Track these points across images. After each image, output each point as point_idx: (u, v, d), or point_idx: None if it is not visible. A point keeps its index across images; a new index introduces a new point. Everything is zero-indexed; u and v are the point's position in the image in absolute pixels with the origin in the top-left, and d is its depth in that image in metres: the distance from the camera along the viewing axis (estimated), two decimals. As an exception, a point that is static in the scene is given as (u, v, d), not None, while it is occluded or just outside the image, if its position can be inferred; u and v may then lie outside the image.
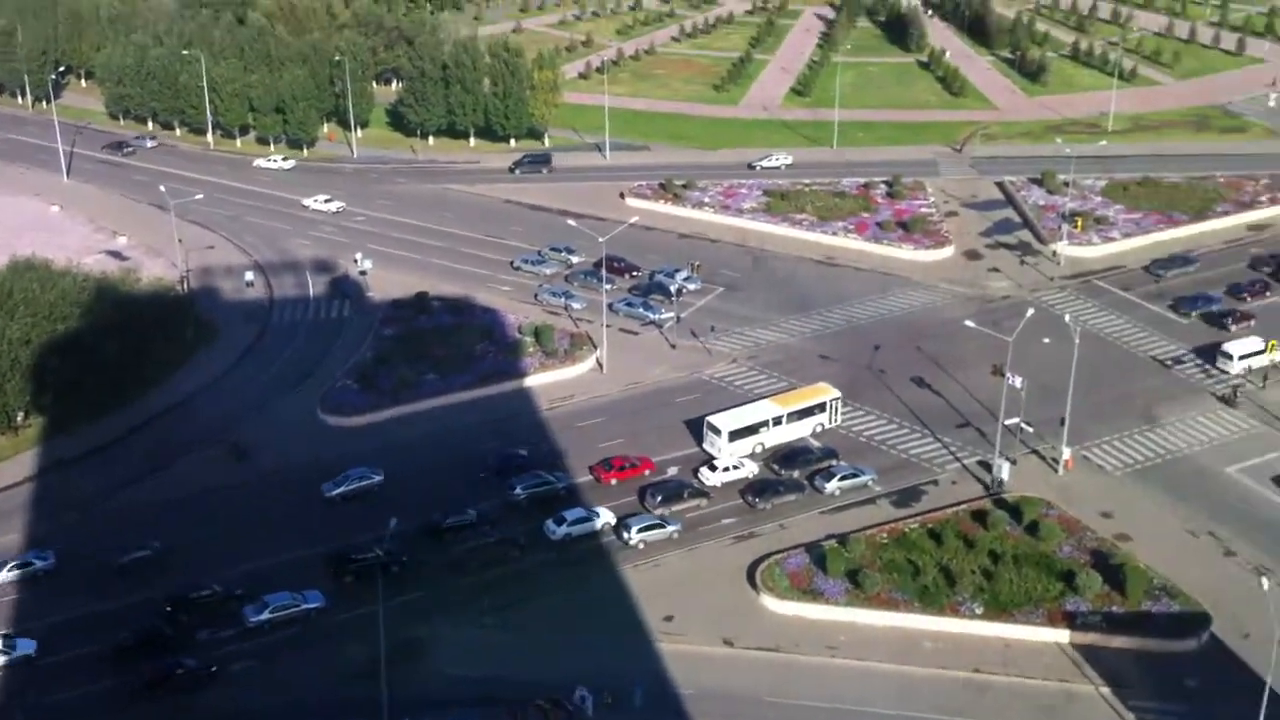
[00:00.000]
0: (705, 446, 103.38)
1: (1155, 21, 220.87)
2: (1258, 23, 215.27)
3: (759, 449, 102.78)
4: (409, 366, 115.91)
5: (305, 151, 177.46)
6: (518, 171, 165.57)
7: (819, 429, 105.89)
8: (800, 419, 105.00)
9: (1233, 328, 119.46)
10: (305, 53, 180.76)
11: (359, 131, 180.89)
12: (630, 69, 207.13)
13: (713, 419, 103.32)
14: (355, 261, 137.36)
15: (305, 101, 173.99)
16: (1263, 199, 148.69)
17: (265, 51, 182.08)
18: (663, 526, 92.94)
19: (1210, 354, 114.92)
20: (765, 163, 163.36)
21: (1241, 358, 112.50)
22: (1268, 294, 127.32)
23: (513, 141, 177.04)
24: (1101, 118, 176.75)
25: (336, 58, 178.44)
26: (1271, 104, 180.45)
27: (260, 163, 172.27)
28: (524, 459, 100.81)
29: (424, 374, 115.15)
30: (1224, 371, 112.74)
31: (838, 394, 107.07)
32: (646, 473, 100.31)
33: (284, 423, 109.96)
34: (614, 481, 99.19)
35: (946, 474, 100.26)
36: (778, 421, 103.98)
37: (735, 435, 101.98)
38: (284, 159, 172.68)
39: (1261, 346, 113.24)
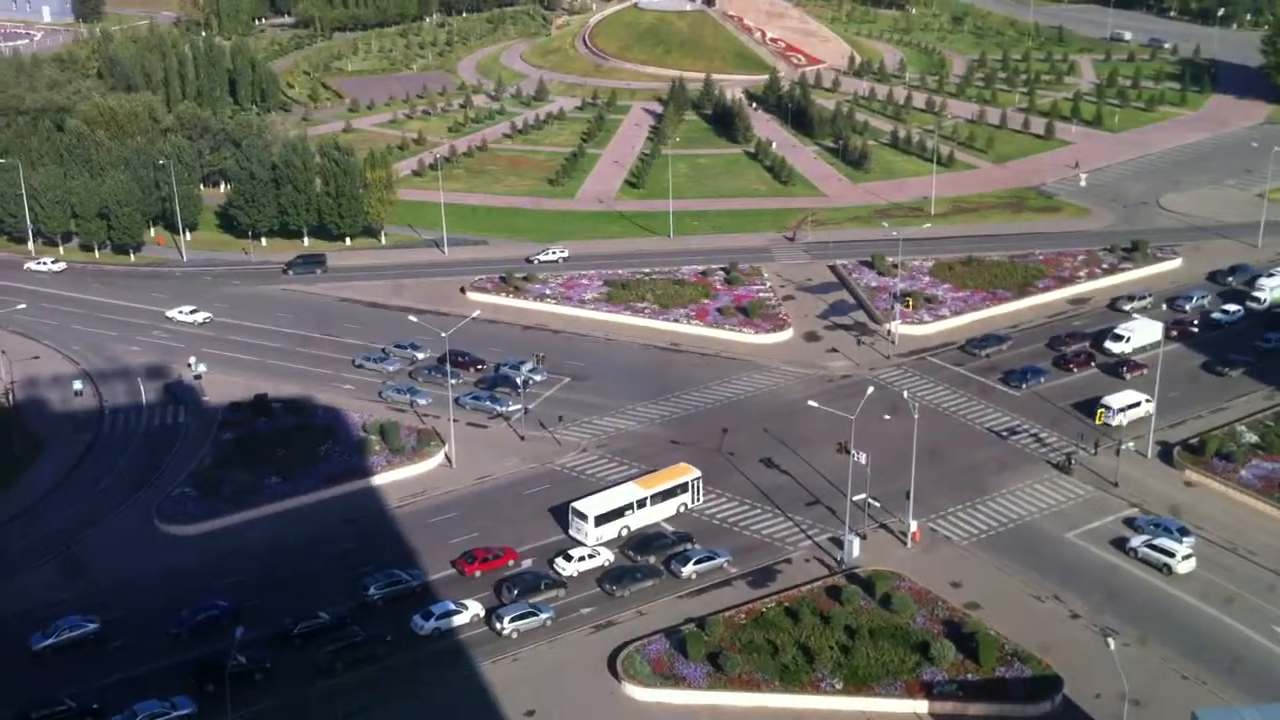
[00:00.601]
0: (571, 533, 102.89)
1: (967, 109, 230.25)
2: (1064, 107, 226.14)
3: (624, 532, 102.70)
4: (250, 471, 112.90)
5: (133, 256, 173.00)
6: (291, 273, 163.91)
7: (683, 509, 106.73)
8: (664, 500, 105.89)
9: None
10: (128, 157, 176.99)
11: (188, 234, 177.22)
12: (464, 165, 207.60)
13: (578, 504, 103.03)
14: (190, 365, 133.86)
15: (130, 206, 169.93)
16: (1081, 274, 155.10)
17: (86, 157, 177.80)
18: (535, 614, 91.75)
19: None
20: (542, 256, 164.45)
21: (1120, 410, 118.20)
22: (1091, 364, 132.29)
23: (348, 240, 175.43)
24: (924, 201, 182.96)
25: (161, 161, 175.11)
26: (1082, 184, 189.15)
27: (31, 265, 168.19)
28: (226, 609, 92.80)
29: (266, 478, 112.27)
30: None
31: (698, 473, 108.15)
32: (510, 563, 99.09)
33: (120, 534, 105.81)
34: (478, 574, 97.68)
35: (799, 552, 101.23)
36: (642, 504, 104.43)
37: (601, 520, 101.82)
38: (54, 261, 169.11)
39: (1139, 399, 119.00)
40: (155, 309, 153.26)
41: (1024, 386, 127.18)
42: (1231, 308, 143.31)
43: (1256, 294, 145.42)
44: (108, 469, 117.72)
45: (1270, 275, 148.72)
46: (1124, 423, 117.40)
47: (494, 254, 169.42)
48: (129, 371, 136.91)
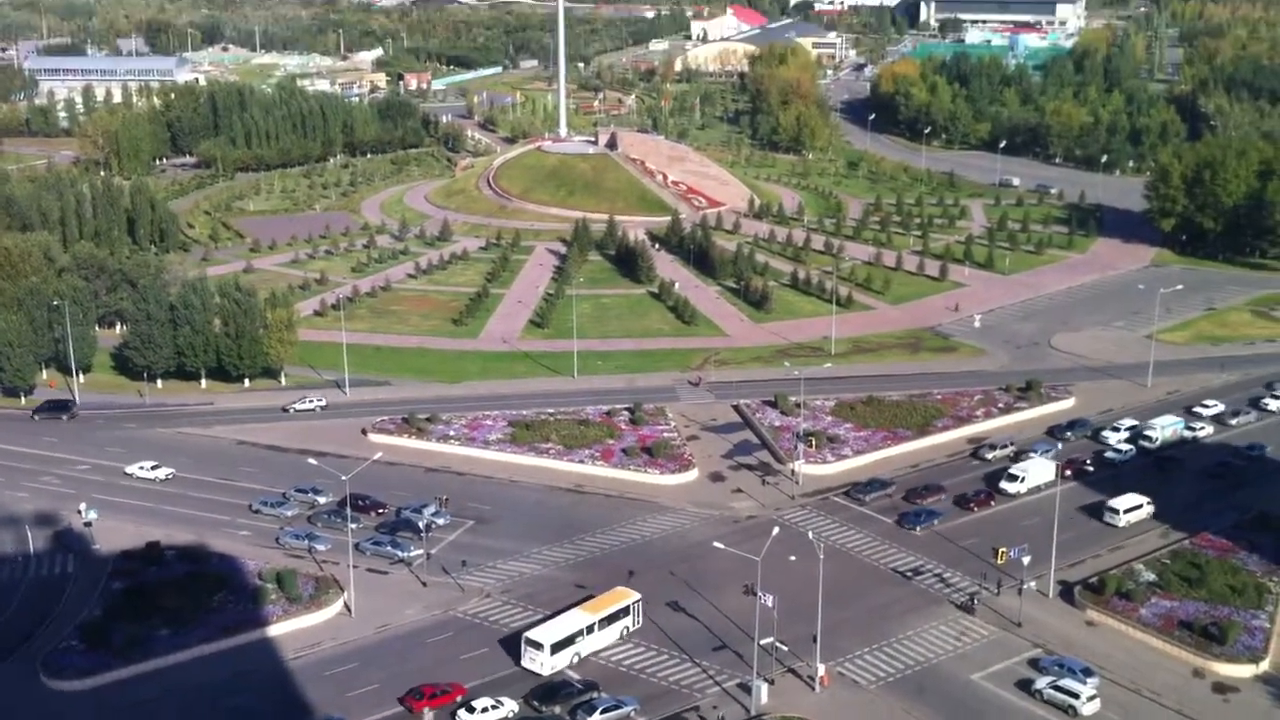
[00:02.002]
0: (524, 664, 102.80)
1: (864, 251, 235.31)
2: (956, 250, 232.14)
3: (576, 659, 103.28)
4: (141, 622, 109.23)
5: (24, 399, 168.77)
6: (37, 418, 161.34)
7: (625, 632, 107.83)
8: (610, 624, 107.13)
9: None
10: (21, 298, 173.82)
11: (81, 377, 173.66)
12: (367, 305, 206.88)
13: (531, 634, 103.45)
14: (80, 512, 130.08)
15: (21, 348, 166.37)
16: (978, 413, 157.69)
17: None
18: None
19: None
20: (299, 405, 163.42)
21: (1127, 511, 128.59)
22: (992, 503, 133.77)
23: (246, 381, 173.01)
24: (824, 341, 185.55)
25: (55, 302, 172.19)
26: (977, 325, 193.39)
27: None
28: None
29: (157, 629, 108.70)
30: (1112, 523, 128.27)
31: (639, 596, 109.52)
32: (459, 699, 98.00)
33: (3, 690, 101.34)
34: (427, 711, 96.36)
35: (708, 699, 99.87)
36: (590, 629, 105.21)
37: (557, 647, 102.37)
38: None
39: (1141, 501, 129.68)
40: (45, 454, 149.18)
41: (918, 529, 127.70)
42: (1125, 447, 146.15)
43: (1148, 433, 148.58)
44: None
45: (1162, 416, 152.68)
46: (1130, 523, 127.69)
47: (397, 395, 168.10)
48: (16, 519, 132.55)
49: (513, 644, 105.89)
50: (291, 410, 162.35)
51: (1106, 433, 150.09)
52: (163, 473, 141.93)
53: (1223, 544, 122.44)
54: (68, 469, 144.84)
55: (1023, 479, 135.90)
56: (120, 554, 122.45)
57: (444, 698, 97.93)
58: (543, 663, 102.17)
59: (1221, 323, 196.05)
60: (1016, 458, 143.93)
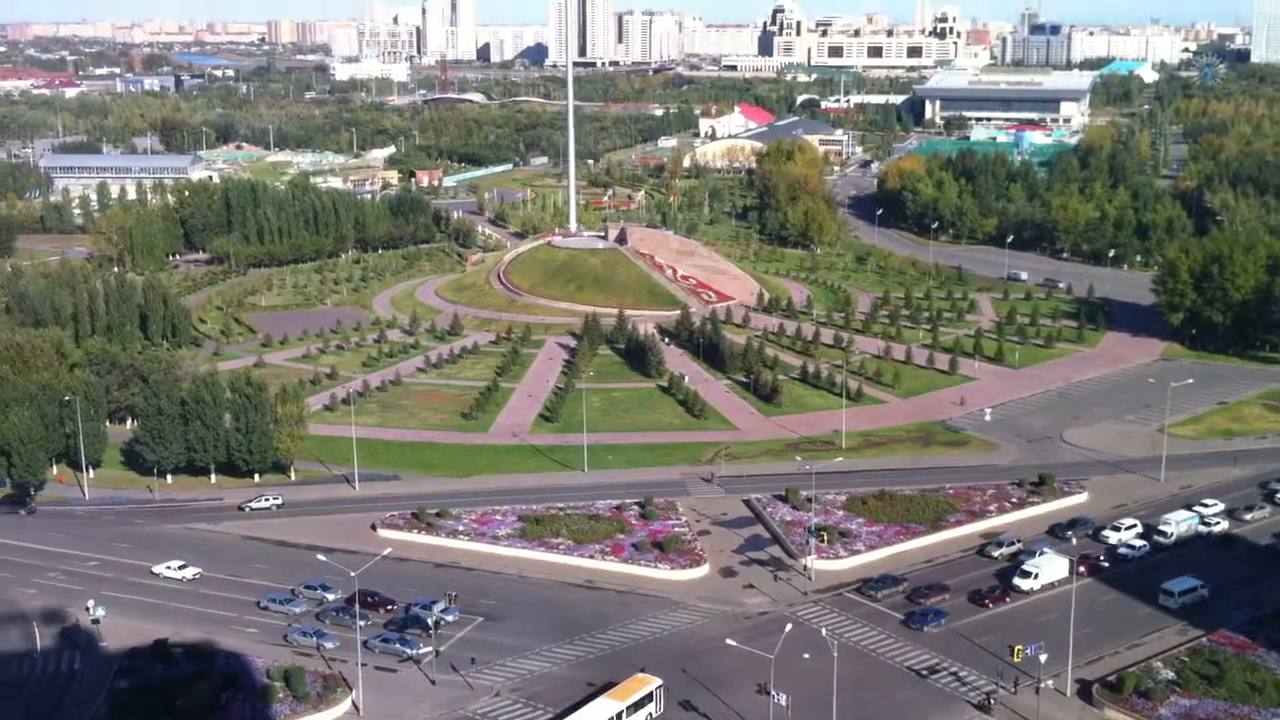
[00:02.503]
0: None
1: (874, 345, 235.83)
2: (966, 344, 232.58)
3: None
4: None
5: (34, 495, 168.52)
6: None
7: (649, 718, 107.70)
8: (636, 710, 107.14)
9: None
10: (33, 393, 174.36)
11: (91, 472, 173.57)
12: (377, 399, 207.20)
13: None
14: (88, 609, 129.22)
15: (32, 443, 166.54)
16: (991, 508, 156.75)
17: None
18: None
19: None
20: (255, 504, 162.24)
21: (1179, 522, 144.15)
22: (1007, 600, 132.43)
23: (256, 476, 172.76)
24: (835, 435, 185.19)
25: (67, 397, 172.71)
26: (988, 419, 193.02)
27: None
28: None
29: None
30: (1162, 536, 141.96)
31: (660, 682, 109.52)
32: None
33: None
34: None
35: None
36: (618, 717, 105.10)
37: None
38: None
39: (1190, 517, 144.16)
40: (53, 550, 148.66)
41: (924, 629, 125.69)
42: (1138, 543, 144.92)
43: (1163, 528, 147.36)
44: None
45: (1175, 512, 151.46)
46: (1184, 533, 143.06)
47: (406, 489, 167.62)
48: (24, 615, 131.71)
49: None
50: (248, 509, 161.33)
51: (1107, 531, 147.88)
52: (190, 572, 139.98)
53: (1241, 641, 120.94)
54: (76, 565, 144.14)
55: (1036, 575, 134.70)
56: (127, 652, 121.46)
57: None
58: None
59: (1233, 416, 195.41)
60: (1017, 555, 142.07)
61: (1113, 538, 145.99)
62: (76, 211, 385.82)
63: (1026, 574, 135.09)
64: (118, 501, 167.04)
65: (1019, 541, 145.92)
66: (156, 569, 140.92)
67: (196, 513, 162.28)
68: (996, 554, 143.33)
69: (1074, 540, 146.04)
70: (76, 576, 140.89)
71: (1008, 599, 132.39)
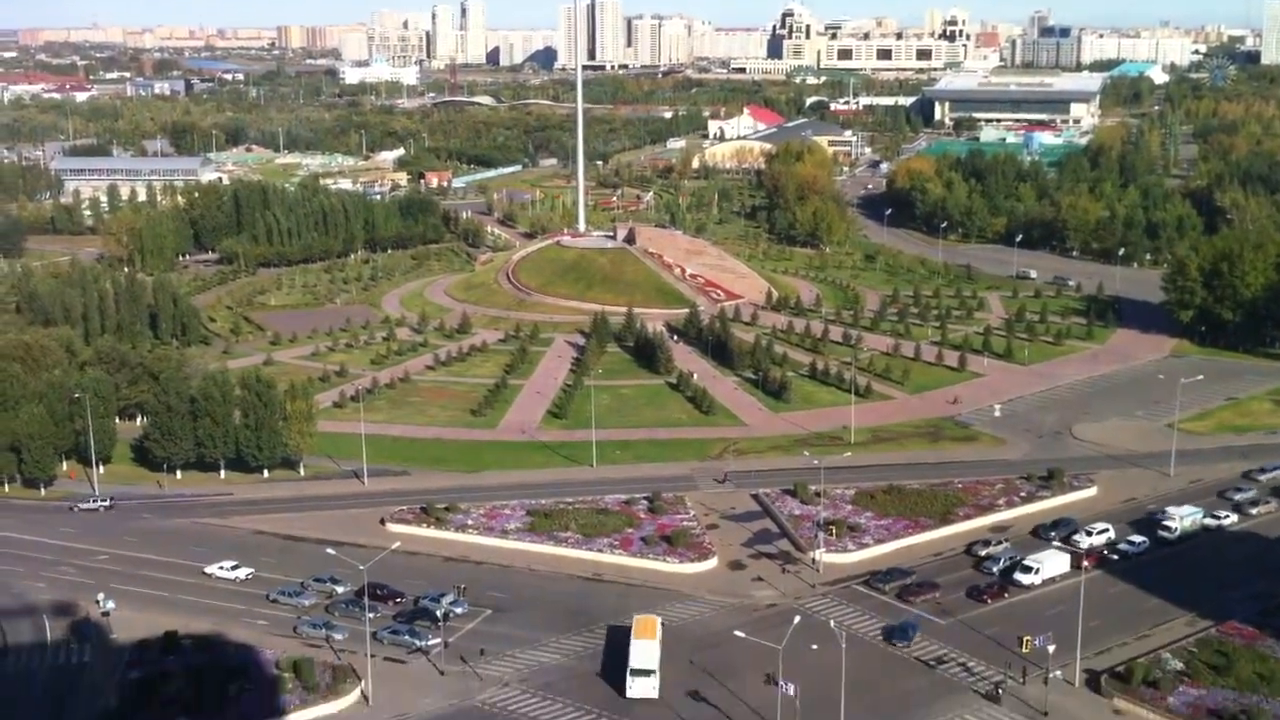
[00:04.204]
0: (632, 695, 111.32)
1: (882, 342, 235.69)
2: (975, 341, 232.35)
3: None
4: (158, 712, 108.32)
5: (43, 490, 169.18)
6: None
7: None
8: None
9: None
10: (43, 391, 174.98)
11: (100, 468, 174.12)
12: (386, 397, 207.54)
13: (636, 665, 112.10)
14: (97, 602, 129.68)
15: (43, 440, 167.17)
16: (1000, 502, 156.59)
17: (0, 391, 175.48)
18: None
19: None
20: (84, 505, 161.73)
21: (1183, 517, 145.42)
22: (1005, 595, 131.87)
23: (265, 472, 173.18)
24: (843, 431, 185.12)
25: (77, 395, 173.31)
26: (997, 414, 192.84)
27: None
28: None
29: (174, 719, 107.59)
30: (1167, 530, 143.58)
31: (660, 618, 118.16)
32: None
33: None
34: None
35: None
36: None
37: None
38: None
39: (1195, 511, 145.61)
40: (64, 544, 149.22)
41: (898, 645, 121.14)
42: (1137, 539, 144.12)
43: (1167, 523, 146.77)
44: (8, 711, 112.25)
45: (1180, 507, 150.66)
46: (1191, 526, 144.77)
47: (415, 484, 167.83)
48: (34, 609, 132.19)
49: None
50: (77, 510, 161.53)
51: (1077, 536, 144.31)
52: (243, 573, 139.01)
53: (1250, 632, 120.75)
54: (86, 559, 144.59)
55: (1037, 570, 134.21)
56: (137, 644, 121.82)
57: None
58: (654, 686, 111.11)
59: (1243, 412, 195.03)
60: (1011, 556, 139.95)
61: (1084, 542, 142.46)
62: (87, 213, 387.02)
63: (1028, 569, 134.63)
64: (127, 496, 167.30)
65: (1007, 542, 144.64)
66: (208, 569, 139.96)
67: (205, 508, 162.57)
68: (985, 553, 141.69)
69: (1056, 540, 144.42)
70: (87, 570, 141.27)
71: (1006, 594, 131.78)
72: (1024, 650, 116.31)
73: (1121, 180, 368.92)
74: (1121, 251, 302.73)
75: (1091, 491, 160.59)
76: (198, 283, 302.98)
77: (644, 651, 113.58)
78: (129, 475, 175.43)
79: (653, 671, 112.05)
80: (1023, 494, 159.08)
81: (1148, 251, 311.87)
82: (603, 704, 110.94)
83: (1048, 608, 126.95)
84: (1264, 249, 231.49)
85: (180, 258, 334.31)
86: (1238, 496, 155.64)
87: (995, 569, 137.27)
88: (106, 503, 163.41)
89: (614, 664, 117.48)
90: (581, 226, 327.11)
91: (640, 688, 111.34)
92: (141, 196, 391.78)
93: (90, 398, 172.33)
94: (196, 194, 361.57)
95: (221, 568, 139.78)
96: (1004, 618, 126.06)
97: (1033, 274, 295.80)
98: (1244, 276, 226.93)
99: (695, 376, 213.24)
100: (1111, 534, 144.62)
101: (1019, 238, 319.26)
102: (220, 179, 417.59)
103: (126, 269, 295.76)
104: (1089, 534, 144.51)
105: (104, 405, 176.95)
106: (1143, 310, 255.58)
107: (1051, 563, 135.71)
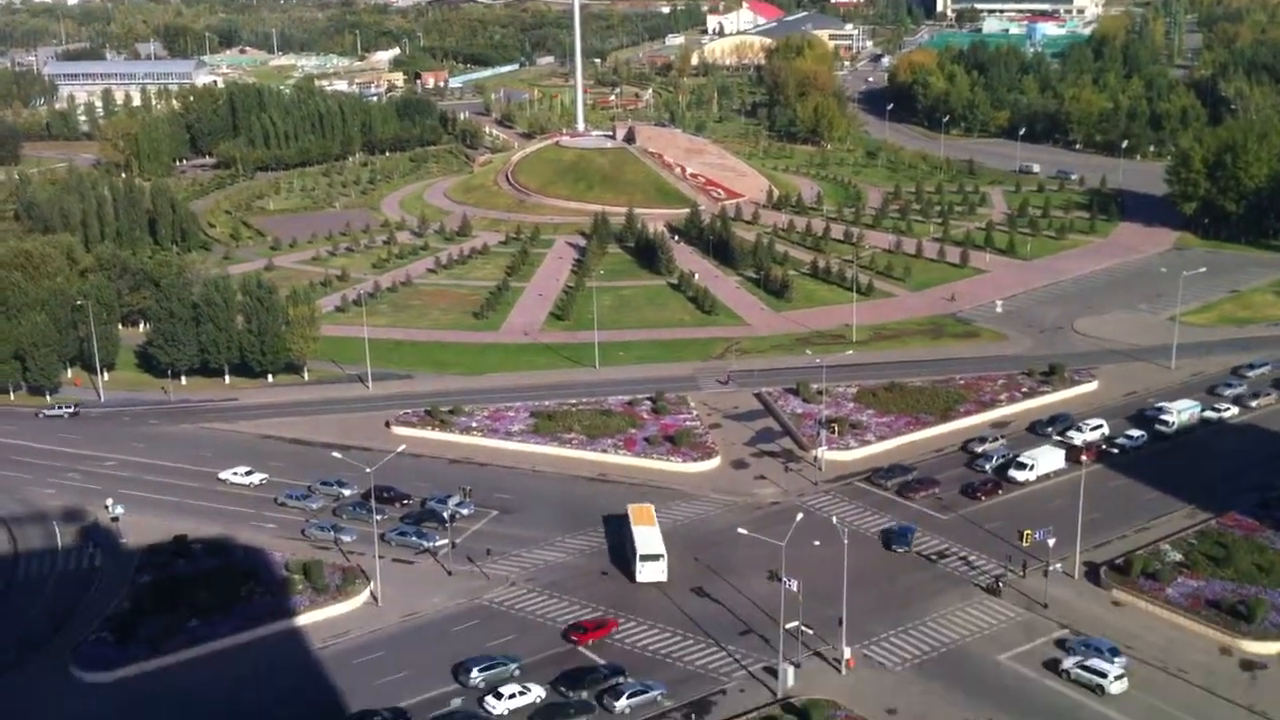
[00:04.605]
0: (642, 579, 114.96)
1: (884, 240, 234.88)
2: (977, 237, 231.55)
3: None
4: (169, 614, 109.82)
5: (49, 397, 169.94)
6: None
7: None
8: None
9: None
10: (45, 299, 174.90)
11: (105, 375, 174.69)
12: (388, 300, 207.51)
13: (644, 551, 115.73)
14: (106, 508, 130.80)
15: (46, 347, 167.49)
16: (1001, 398, 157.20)
17: (1, 300, 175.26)
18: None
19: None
20: (49, 411, 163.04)
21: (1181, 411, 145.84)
22: (999, 493, 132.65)
23: (270, 377, 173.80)
24: (845, 329, 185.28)
25: (79, 302, 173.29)
26: (999, 310, 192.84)
27: None
28: None
29: (186, 621, 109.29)
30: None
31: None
32: (613, 630, 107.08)
33: (35, 682, 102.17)
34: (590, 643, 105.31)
35: (734, 682, 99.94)
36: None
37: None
38: None
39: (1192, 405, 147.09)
40: (72, 451, 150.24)
41: (897, 550, 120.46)
42: (1135, 433, 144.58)
43: (1165, 418, 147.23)
44: (21, 615, 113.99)
45: (1178, 401, 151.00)
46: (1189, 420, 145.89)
47: (419, 388, 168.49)
48: (44, 515, 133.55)
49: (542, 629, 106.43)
50: (41, 415, 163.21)
51: (1072, 432, 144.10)
52: (257, 478, 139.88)
53: (1249, 523, 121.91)
54: (94, 465, 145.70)
55: (1032, 467, 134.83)
56: (147, 548, 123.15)
57: (602, 630, 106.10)
58: (663, 569, 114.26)
59: (1245, 304, 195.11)
60: (1004, 453, 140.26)
61: (1077, 438, 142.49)
62: (82, 118, 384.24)
63: (1022, 465, 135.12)
64: (133, 403, 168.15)
65: (1003, 438, 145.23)
66: (223, 475, 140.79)
67: (211, 413, 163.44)
68: (980, 450, 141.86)
69: (1054, 435, 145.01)
70: (95, 476, 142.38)
71: (1000, 491, 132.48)
72: (1024, 544, 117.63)
73: (1125, 71, 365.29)
74: (1125, 144, 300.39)
75: (1092, 386, 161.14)
76: (196, 188, 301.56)
77: (649, 537, 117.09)
78: (134, 382, 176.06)
79: (661, 555, 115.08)
80: (1024, 389, 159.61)
81: (1151, 143, 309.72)
82: (609, 600, 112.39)
83: (1045, 503, 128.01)
84: (1268, 139, 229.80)
85: (177, 162, 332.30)
86: (1227, 392, 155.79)
87: (988, 467, 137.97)
88: (71, 409, 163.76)
89: (617, 552, 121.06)
90: (580, 126, 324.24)
91: (650, 572, 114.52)
92: (136, 101, 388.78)
93: (92, 304, 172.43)
94: (191, 98, 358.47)
95: (235, 473, 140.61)
96: (1005, 513, 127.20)
97: (1035, 168, 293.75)
98: (1248, 168, 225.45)
99: (696, 276, 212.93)
100: (1106, 429, 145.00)
101: (1022, 131, 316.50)
102: (215, 82, 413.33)
103: (124, 174, 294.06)
104: (1082, 430, 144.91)
105: (106, 312, 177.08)
106: (1146, 203, 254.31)
107: (1046, 459, 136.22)
